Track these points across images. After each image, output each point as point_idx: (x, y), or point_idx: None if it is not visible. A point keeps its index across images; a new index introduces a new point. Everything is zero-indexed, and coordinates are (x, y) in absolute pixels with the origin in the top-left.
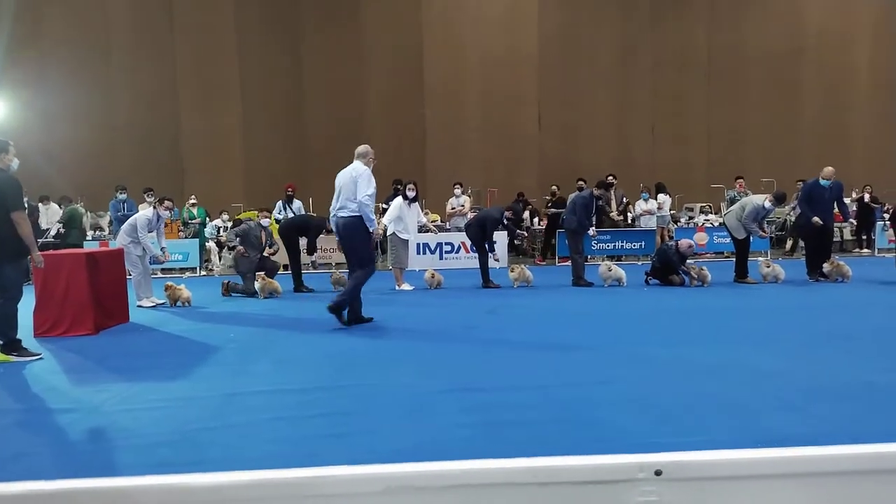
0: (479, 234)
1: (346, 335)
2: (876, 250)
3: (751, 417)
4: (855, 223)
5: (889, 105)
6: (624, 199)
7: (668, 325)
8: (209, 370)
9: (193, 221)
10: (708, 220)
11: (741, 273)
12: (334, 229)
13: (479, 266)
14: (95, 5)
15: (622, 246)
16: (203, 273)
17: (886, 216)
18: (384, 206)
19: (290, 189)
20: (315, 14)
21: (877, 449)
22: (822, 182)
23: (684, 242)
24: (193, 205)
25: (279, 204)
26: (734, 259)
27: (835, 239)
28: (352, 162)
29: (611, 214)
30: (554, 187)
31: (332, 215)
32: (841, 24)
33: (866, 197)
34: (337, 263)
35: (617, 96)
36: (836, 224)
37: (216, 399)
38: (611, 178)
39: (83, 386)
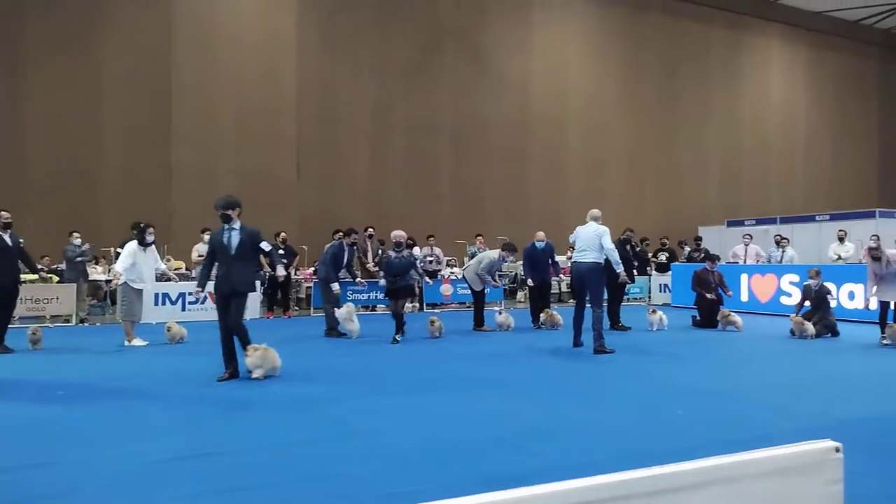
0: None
1: (45, 403)
2: None
3: (478, 458)
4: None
5: (594, 176)
6: (380, 251)
7: (405, 373)
8: None
9: None
10: (453, 273)
11: (478, 322)
12: (575, 272)
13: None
14: None
15: (377, 296)
16: None
17: None
18: (118, 250)
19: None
20: (41, 39)
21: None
22: (537, 244)
23: None
24: None
25: None
26: (473, 309)
27: (553, 291)
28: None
29: (367, 265)
30: None
31: (572, 261)
32: (557, 111)
33: None
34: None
35: (373, 152)
36: (553, 279)
37: None
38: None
39: None
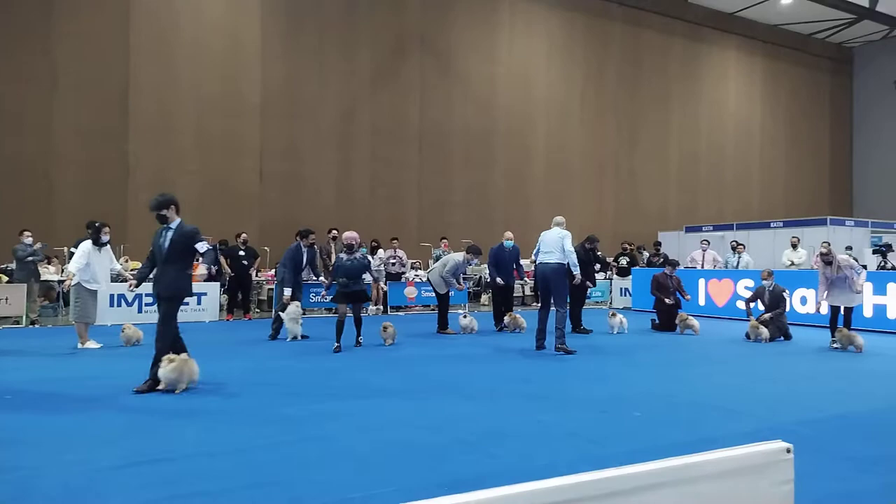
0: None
1: None
2: None
3: (437, 461)
4: (533, 281)
5: (557, 182)
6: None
7: (364, 377)
8: None
9: None
10: (417, 276)
11: (442, 324)
12: (540, 273)
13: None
14: None
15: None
16: None
17: None
18: (72, 249)
19: None
20: None
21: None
22: (506, 244)
23: None
24: None
25: None
26: (437, 311)
27: (516, 294)
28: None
29: (330, 268)
30: None
31: (537, 262)
32: (522, 117)
33: None
34: None
35: (338, 155)
36: (516, 282)
37: None
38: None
39: None
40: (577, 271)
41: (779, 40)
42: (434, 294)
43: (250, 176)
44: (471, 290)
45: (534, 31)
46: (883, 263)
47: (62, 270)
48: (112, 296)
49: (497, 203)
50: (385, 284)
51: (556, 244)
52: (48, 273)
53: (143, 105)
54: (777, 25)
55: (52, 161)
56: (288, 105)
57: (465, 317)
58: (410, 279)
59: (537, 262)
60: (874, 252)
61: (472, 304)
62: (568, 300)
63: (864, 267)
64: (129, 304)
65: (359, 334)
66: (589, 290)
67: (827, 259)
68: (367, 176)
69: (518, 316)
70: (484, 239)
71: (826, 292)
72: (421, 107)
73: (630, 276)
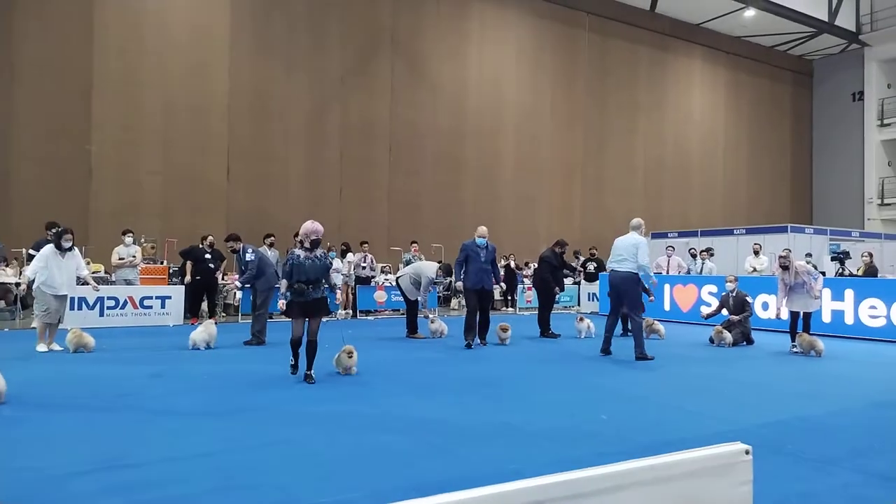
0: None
1: None
2: (518, 308)
3: (406, 465)
4: (504, 286)
5: (526, 186)
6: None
7: (332, 380)
8: None
9: None
10: (388, 280)
11: (412, 329)
12: (611, 280)
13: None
14: None
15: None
16: None
17: (527, 280)
18: (31, 251)
19: None
20: None
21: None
22: (478, 241)
23: None
24: None
25: None
26: (406, 316)
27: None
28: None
29: None
30: None
31: (609, 269)
32: (491, 121)
33: (512, 263)
34: None
35: (307, 155)
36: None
37: None
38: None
39: None
40: (648, 283)
41: (742, 52)
42: (403, 299)
43: (217, 174)
44: (440, 293)
45: (503, 37)
46: (841, 270)
47: (20, 272)
48: (73, 299)
49: (467, 206)
50: (339, 297)
51: (629, 251)
52: (6, 275)
53: (106, 101)
54: (741, 37)
55: (11, 158)
56: (256, 102)
57: (432, 321)
58: (380, 283)
59: (609, 268)
60: (832, 259)
61: (441, 309)
62: (538, 304)
63: (823, 273)
64: (91, 308)
65: (310, 364)
66: (557, 295)
67: (783, 263)
68: (337, 176)
69: (507, 326)
70: (454, 242)
71: (785, 298)
72: (391, 108)
73: (597, 282)
